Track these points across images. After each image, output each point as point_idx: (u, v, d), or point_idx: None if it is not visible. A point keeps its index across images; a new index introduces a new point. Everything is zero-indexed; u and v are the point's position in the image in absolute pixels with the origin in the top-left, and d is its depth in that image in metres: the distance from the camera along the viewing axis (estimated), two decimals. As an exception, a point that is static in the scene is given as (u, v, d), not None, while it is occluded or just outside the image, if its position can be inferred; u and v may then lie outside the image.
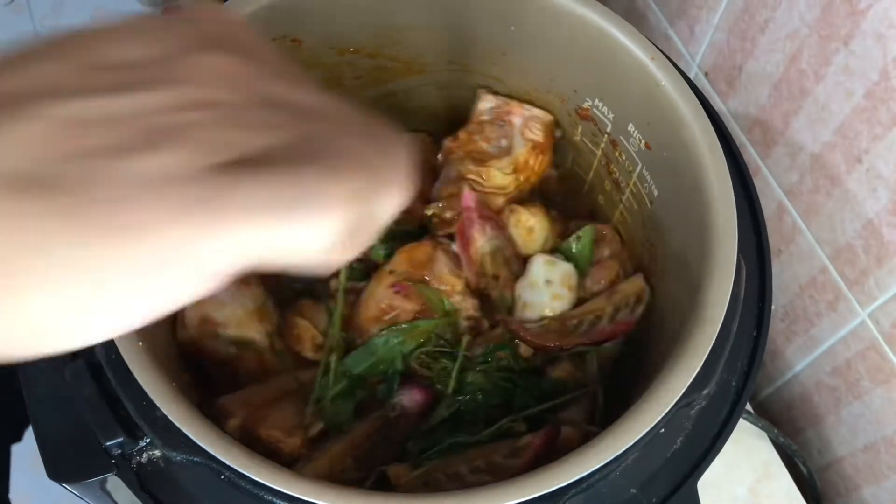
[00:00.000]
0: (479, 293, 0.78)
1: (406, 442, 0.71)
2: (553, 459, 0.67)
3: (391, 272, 0.74)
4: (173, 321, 0.74)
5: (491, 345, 0.75)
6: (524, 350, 0.76)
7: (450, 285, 0.75)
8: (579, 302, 0.79)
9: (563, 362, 0.75)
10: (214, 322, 0.75)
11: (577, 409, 0.74)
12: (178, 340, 0.74)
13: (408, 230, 0.80)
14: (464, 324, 0.76)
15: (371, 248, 0.78)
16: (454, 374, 0.72)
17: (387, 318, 0.74)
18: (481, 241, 0.77)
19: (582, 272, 0.79)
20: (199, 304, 0.75)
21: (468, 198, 0.78)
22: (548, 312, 0.76)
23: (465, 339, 0.74)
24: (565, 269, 0.77)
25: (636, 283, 0.77)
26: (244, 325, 0.75)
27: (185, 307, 0.73)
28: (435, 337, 0.74)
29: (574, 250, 0.80)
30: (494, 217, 0.80)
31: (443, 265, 0.76)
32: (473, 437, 0.70)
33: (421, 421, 0.73)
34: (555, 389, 0.74)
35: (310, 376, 0.75)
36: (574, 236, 0.80)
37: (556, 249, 0.81)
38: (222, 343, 0.75)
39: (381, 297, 0.74)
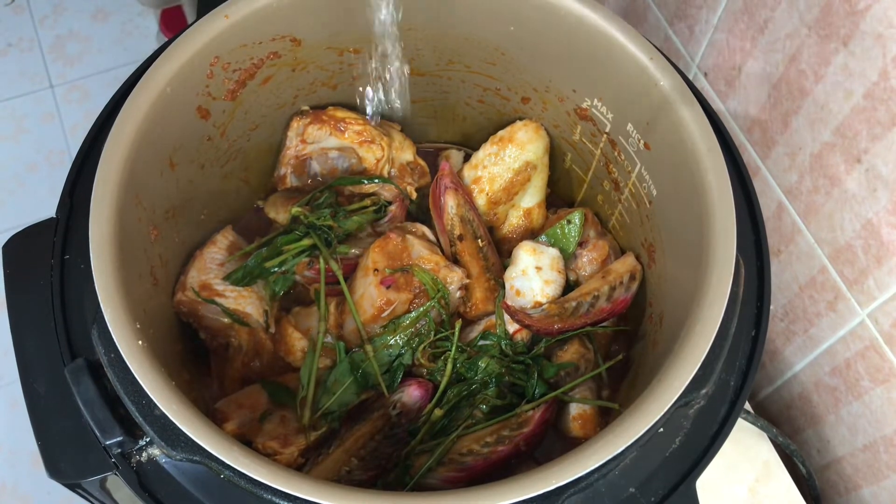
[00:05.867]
0: (454, 260, 0.80)
1: (411, 437, 0.72)
2: (556, 430, 0.70)
3: (375, 271, 0.75)
4: (172, 295, 0.75)
5: (486, 332, 0.77)
6: (524, 335, 0.77)
7: (433, 263, 0.76)
8: (570, 285, 0.81)
9: (572, 344, 0.76)
10: (214, 290, 0.76)
11: (583, 387, 0.76)
12: (175, 302, 0.74)
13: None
14: (458, 294, 0.77)
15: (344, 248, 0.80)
16: (451, 357, 0.74)
17: (384, 315, 0.75)
18: (452, 204, 0.80)
19: (567, 255, 0.81)
20: (203, 270, 0.76)
21: (444, 167, 0.82)
22: (540, 298, 0.77)
23: (458, 324, 0.76)
24: (552, 253, 0.80)
25: (628, 262, 0.79)
26: (243, 298, 0.76)
27: (188, 270, 0.75)
28: (433, 323, 0.75)
29: (564, 234, 0.82)
30: (464, 188, 0.83)
31: (419, 247, 0.77)
32: (486, 423, 0.71)
33: (421, 415, 0.74)
34: (562, 372, 0.76)
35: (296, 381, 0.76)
36: (564, 220, 0.82)
37: (542, 235, 0.83)
38: (218, 312, 0.76)
39: (374, 297, 0.75)
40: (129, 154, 0.64)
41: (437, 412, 0.72)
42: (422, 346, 0.74)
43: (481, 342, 0.77)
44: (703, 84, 0.95)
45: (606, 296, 0.76)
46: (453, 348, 0.74)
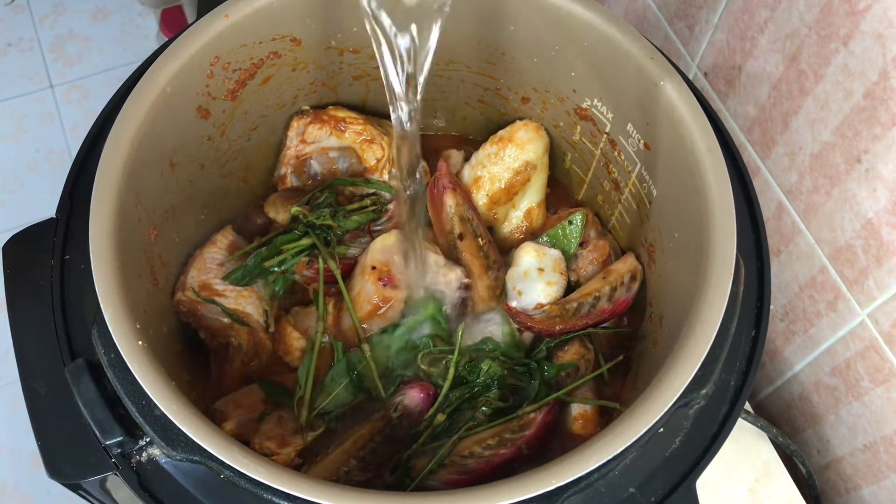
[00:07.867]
0: (454, 260, 0.80)
1: (412, 439, 0.72)
2: (558, 429, 0.71)
3: (373, 268, 0.75)
4: (172, 295, 0.75)
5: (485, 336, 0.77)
6: (524, 337, 0.77)
7: (432, 261, 0.76)
8: (571, 286, 0.81)
9: (572, 345, 0.76)
10: (214, 290, 0.76)
11: (584, 387, 0.76)
12: (175, 302, 0.74)
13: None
14: (457, 294, 0.77)
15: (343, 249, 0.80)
16: (453, 361, 0.74)
17: (381, 312, 0.75)
18: (450, 203, 0.80)
19: (568, 256, 0.81)
20: (203, 270, 0.76)
21: (442, 167, 0.82)
22: (543, 299, 0.77)
23: (461, 328, 0.76)
24: (555, 255, 0.80)
25: (628, 262, 0.79)
26: (243, 297, 0.76)
27: (188, 270, 0.75)
28: (435, 327, 0.75)
29: (565, 234, 0.82)
30: (463, 187, 0.83)
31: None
32: (487, 425, 0.71)
33: (422, 418, 0.74)
34: (562, 373, 0.76)
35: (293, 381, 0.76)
36: (566, 221, 0.82)
37: (543, 236, 0.83)
38: (218, 312, 0.76)
39: (371, 294, 0.75)
40: (129, 154, 0.64)
41: (440, 417, 0.72)
42: (421, 353, 0.74)
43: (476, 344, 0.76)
44: (703, 84, 0.95)
45: (607, 296, 0.76)
46: (456, 352, 0.74)
